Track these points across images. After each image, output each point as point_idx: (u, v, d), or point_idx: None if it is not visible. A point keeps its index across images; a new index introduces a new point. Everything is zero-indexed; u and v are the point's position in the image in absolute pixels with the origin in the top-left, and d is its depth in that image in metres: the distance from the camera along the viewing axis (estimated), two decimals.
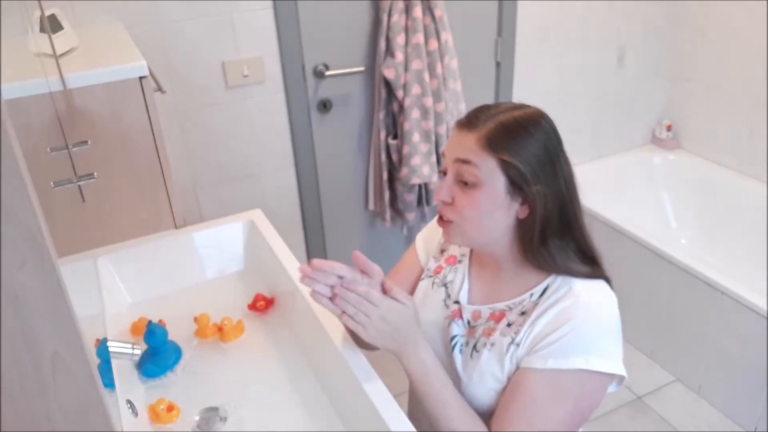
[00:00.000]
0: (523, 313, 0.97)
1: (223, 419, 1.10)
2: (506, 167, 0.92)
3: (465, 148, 0.94)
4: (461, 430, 0.93)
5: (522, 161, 0.91)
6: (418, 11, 2.03)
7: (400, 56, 2.07)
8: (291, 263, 1.33)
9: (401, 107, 2.14)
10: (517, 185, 0.93)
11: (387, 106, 2.18)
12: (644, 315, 2.40)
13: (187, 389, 1.17)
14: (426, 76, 2.09)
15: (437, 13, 2.06)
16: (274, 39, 2.04)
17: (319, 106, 2.21)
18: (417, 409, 1.10)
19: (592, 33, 2.56)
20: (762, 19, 2.39)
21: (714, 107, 2.69)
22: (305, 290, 1.23)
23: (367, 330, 0.92)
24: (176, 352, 1.23)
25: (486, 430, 0.94)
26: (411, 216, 2.34)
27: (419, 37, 2.05)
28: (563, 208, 0.95)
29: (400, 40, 2.06)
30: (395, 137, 2.22)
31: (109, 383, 1.01)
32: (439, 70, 2.11)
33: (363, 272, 0.97)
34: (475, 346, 1.01)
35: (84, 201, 1.40)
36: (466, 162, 0.94)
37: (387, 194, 2.30)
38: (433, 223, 1.20)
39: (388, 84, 2.13)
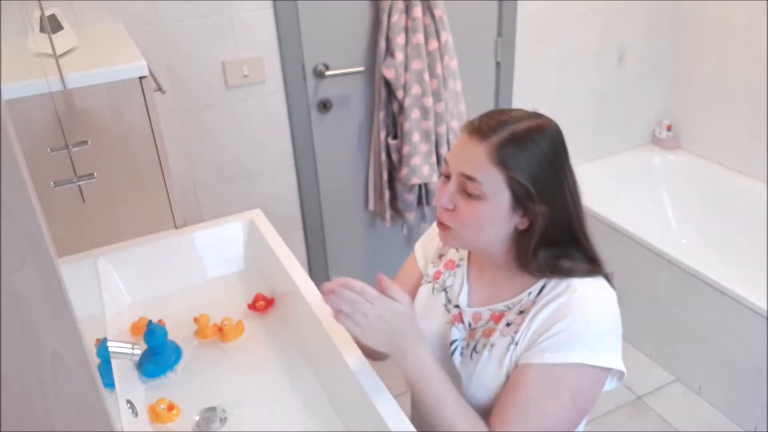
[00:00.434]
0: (521, 312, 0.97)
1: (223, 419, 1.10)
2: (513, 183, 0.91)
3: (472, 161, 0.93)
4: (461, 430, 0.93)
5: (529, 179, 0.91)
6: (418, 11, 2.03)
7: (400, 56, 2.07)
8: (291, 263, 1.33)
9: (401, 107, 2.14)
10: (521, 201, 0.92)
11: (387, 106, 2.18)
12: (644, 315, 2.40)
13: (187, 389, 1.17)
14: (426, 76, 2.09)
15: (437, 13, 2.06)
16: (274, 39, 2.04)
17: (319, 106, 2.21)
18: (418, 409, 1.10)
19: (592, 33, 2.56)
20: (762, 19, 2.39)
21: (714, 107, 2.69)
22: (305, 290, 1.24)
23: (365, 330, 0.91)
24: (176, 352, 1.23)
25: (486, 429, 0.94)
26: (411, 216, 2.34)
27: (419, 37, 2.05)
28: (569, 222, 0.95)
29: (400, 40, 2.06)
30: (395, 137, 2.22)
31: (109, 383, 1.01)
32: (439, 70, 2.11)
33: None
34: (475, 347, 1.01)
35: (84, 201, 1.40)
36: (471, 179, 0.93)
37: (387, 194, 2.30)
38: (431, 230, 1.20)
39: (388, 84, 2.13)
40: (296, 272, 1.30)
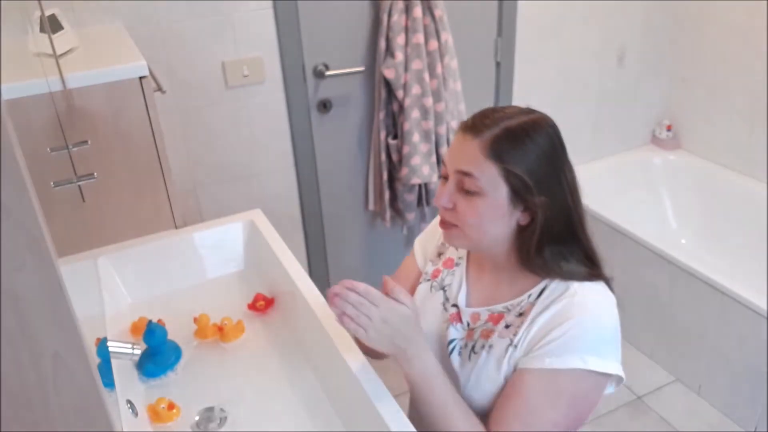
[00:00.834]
0: (521, 314, 0.97)
1: (223, 419, 1.10)
2: (509, 177, 0.91)
3: (467, 157, 0.93)
4: (461, 431, 0.93)
5: (525, 171, 0.91)
6: (418, 11, 2.03)
7: (400, 56, 2.07)
8: (291, 263, 1.33)
9: (401, 107, 2.14)
10: (519, 195, 0.92)
11: (387, 106, 2.18)
12: (644, 315, 2.40)
13: (186, 389, 1.17)
14: (426, 76, 2.09)
15: (437, 13, 2.06)
16: (274, 39, 2.04)
17: (319, 106, 2.21)
18: (418, 410, 1.10)
19: (592, 33, 2.56)
20: (762, 19, 2.39)
21: (714, 107, 2.69)
22: (305, 290, 1.24)
23: (368, 332, 0.90)
24: (176, 352, 1.23)
25: (485, 431, 0.94)
26: (411, 216, 2.34)
27: (419, 37, 2.05)
28: (568, 216, 0.95)
29: (400, 40, 2.06)
30: (395, 137, 2.22)
31: (109, 383, 1.01)
32: (439, 70, 2.11)
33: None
34: (473, 348, 1.01)
35: (84, 201, 1.40)
36: (467, 174, 0.93)
37: (387, 194, 2.30)
38: (431, 226, 1.20)
39: (388, 84, 2.13)
40: (296, 272, 1.30)
